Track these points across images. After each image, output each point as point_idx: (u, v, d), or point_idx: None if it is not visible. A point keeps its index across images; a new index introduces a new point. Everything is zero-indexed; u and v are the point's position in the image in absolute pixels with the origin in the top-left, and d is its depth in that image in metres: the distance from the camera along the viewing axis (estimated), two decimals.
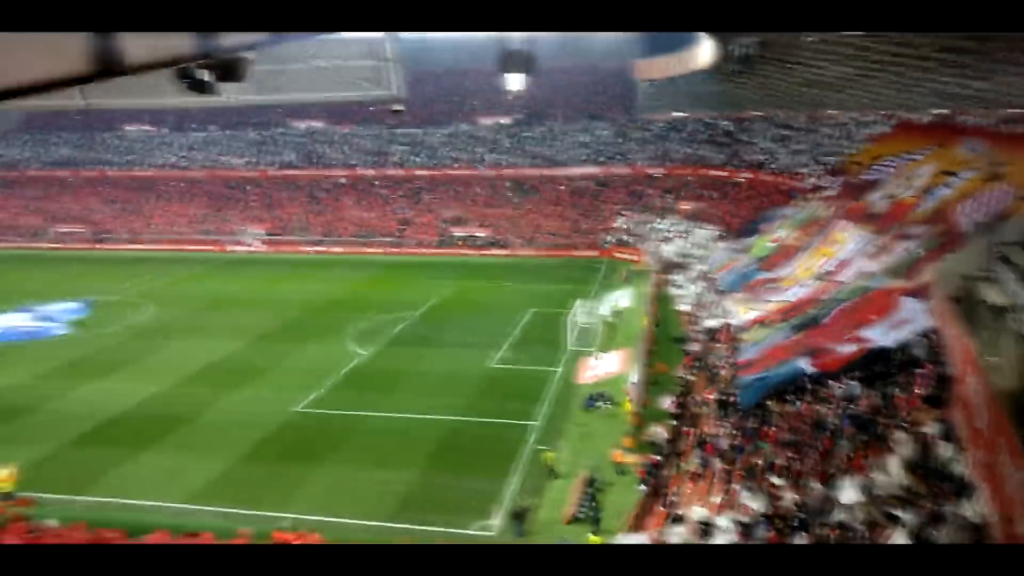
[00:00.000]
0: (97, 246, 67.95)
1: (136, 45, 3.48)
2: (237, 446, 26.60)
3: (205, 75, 16.96)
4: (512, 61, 11.93)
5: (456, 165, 72.14)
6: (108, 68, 3.32)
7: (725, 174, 64.35)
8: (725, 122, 69.28)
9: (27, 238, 69.61)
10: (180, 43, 4.00)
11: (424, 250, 63.25)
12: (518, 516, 21.02)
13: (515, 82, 12.35)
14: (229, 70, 16.53)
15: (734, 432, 21.74)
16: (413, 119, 74.38)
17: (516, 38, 12.41)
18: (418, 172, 72.29)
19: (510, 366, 34.40)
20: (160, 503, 22.68)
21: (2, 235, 70.26)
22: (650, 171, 67.41)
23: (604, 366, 33.14)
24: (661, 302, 42.22)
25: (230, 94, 21.07)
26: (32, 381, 33.39)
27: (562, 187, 68.43)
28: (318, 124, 78.58)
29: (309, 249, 64.96)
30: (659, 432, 25.21)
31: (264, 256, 64.02)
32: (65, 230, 70.40)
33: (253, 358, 36.06)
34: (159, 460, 25.79)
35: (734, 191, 62.60)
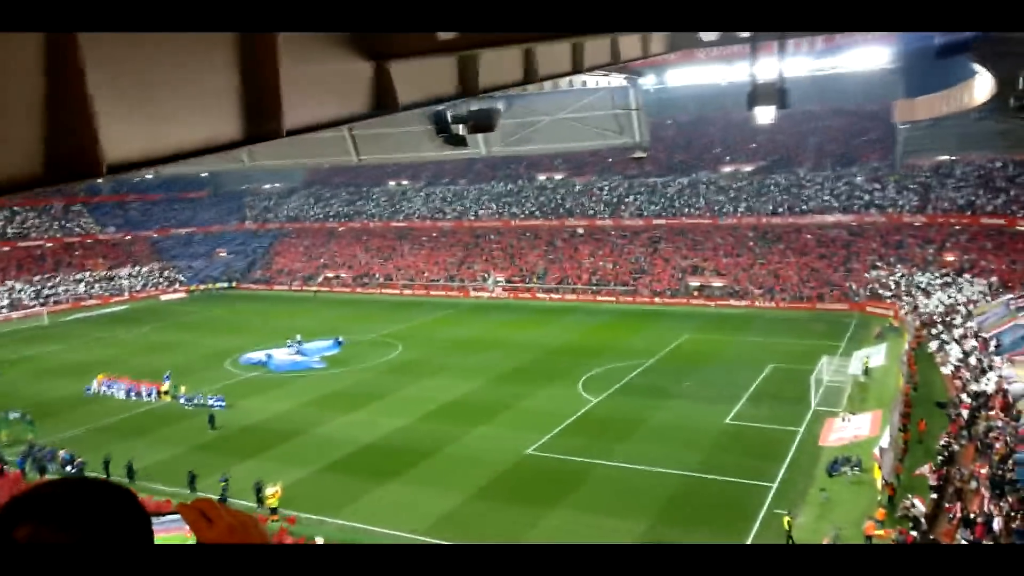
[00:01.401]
0: (357, 290, 75.36)
1: (407, 83, 3.80)
2: (471, 483, 27.63)
3: (460, 129, 18.41)
4: (763, 94, 11.46)
5: (695, 214, 70.97)
6: (383, 104, 3.65)
7: (1002, 222, 56.91)
8: (1003, 164, 61.55)
9: (300, 281, 79.07)
10: (444, 83, 4.31)
11: (659, 299, 62.58)
12: None
13: (765, 116, 11.84)
14: (481, 121, 17.78)
15: (1012, 514, 18.74)
16: (653, 168, 74.68)
17: (767, 74, 11.95)
18: (656, 221, 72.07)
19: (748, 423, 32.61)
20: (397, 532, 24.06)
21: (282, 279, 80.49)
22: (910, 219, 61.53)
23: (853, 428, 30.33)
24: (920, 362, 37.96)
25: (482, 147, 22.64)
26: (301, 409, 37.36)
27: (809, 236, 64.56)
28: (558, 176, 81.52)
29: (545, 296, 67.01)
30: (916, 505, 22.42)
31: (504, 302, 67.03)
32: (331, 275, 79.02)
33: (490, 398, 37.55)
34: (400, 491, 27.47)
35: (1012, 241, 55.09)
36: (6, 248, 76.14)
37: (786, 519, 22.62)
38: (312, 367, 45.43)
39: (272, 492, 25.79)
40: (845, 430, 30.36)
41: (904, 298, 52.28)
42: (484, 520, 24.67)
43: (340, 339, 50.44)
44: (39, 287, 73.10)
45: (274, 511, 25.17)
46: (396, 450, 31.28)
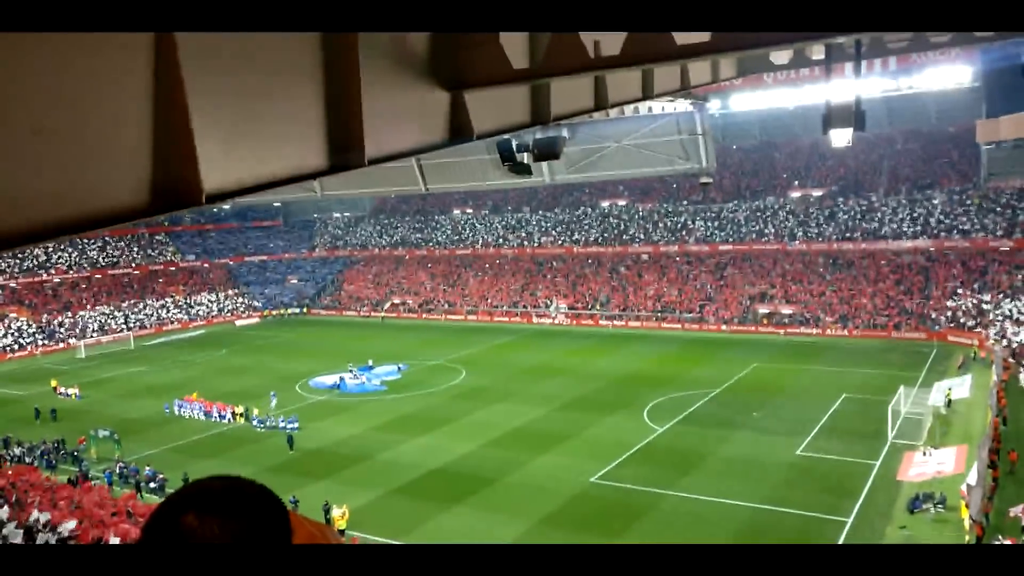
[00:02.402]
0: (423, 316, 76.32)
1: (481, 112, 3.93)
2: (537, 511, 27.46)
3: (525, 157, 18.62)
4: (838, 116, 11.23)
5: (762, 239, 69.65)
6: (458, 134, 3.78)
7: None
8: None
9: (369, 307, 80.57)
10: (517, 112, 4.43)
11: (726, 327, 61.43)
12: None
13: (840, 138, 11.59)
14: (546, 149, 17.95)
15: None
16: (718, 194, 73.77)
17: (841, 95, 11.72)
18: (722, 247, 71.01)
19: (820, 455, 31.58)
20: None
21: (351, 305, 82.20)
22: (995, 244, 58.98)
23: (935, 463, 28.99)
24: (1010, 394, 36.13)
25: (546, 175, 22.83)
26: (369, 432, 37.88)
27: (883, 262, 62.55)
28: (622, 202, 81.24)
29: (608, 323, 66.55)
30: None
31: (567, 329, 66.86)
32: (398, 301, 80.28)
33: (554, 425, 37.37)
34: (466, 516, 27.50)
35: None
36: (98, 276, 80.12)
37: None
38: (376, 390, 46.27)
39: (339, 514, 26.19)
40: (926, 465, 29.06)
41: (991, 327, 50.00)
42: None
43: (401, 366, 51.22)
44: (126, 312, 76.52)
45: (341, 532, 25.50)
46: (462, 476, 31.37)
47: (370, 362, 51.28)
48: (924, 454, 29.97)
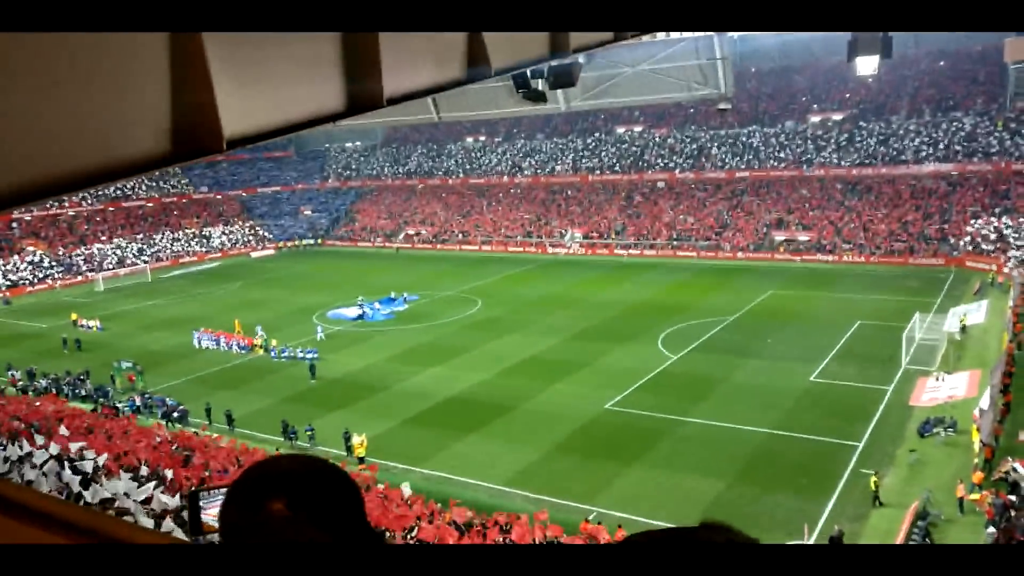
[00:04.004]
0: (437, 247, 76.39)
1: (499, 48, 3.83)
2: (551, 437, 28.01)
3: (540, 84, 18.26)
4: (864, 43, 10.85)
5: (780, 165, 68.60)
6: (476, 71, 3.70)
7: None
8: None
9: (383, 238, 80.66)
10: (535, 46, 4.32)
11: (741, 254, 61.16)
12: (834, 541, 19.37)
13: (866, 66, 11.25)
14: (562, 76, 17.58)
15: None
16: (736, 119, 72.34)
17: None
18: (739, 174, 70.09)
19: (833, 381, 31.83)
20: (481, 483, 24.70)
21: (364, 236, 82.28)
22: (1019, 168, 57.79)
23: (947, 388, 29.21)
24: None
25: (561, 102, 22.40)
26: (385, 363, 38.45)
27: (903, 187, 61.59)
28: (638, 128, 79.92)
29: (624, 252, 66.40)
30: (1018, 469, 21.53)
31: (581, 258, 66.80)
32: (412, 232, 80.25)
33: (568, 354, 37.75)
34: (481, 444, 28.11)
35: None
36: (112, 208, 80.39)
37: (873, 479, 22.14)
38: (386, 318, 47.55)
39: (359, 442, 26.84)
40: (939, 390, 29.28)
41: (1011, 252, 49.45)
42: (562, 474, 25.05)
43: (407, 295, 51.62)
44: (142, 244, 77.08)
45: (361, 460, 26.20)
46: (476, 405, 31.92)
47: (393, 294, 51.70)
48: (937, 379, 30.15)
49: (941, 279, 48.55)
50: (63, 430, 20.31)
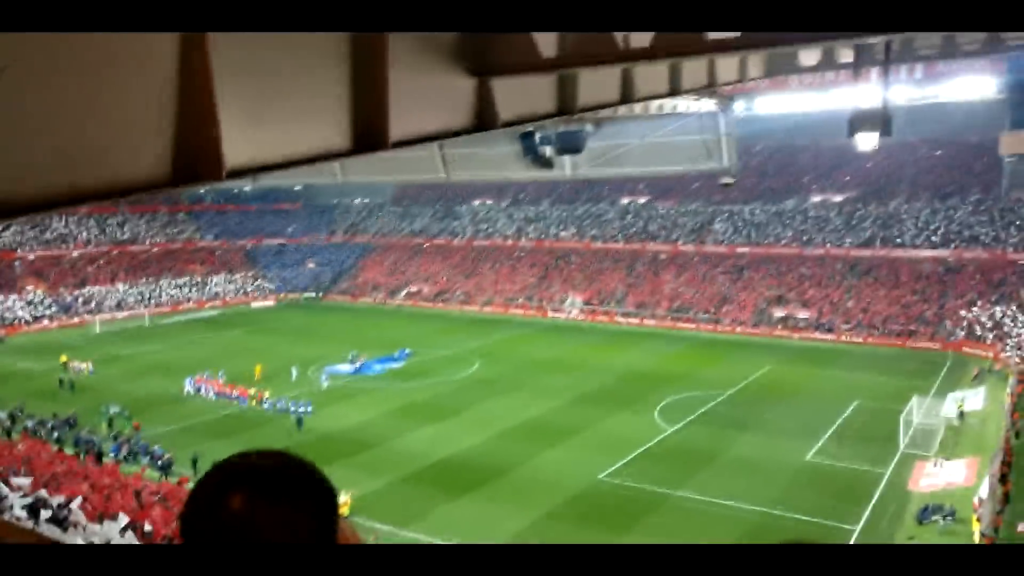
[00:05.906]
0: (438, 305, 76.44)
1: (507, 101, 3.89)
2: (542, 504, 27.48)
3: (548, 150, 18.56)
4: (865, 120, 11.10)
5: (781, 243, 69.15)
6: (483, 121, 3.75)
7: None
8: None
9: (384, 294, 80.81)
10: (543, 101, 4.39)
11: (740, 329, 61.11)
12: None
13: (867, 143, 11.46)
14: (570, 143, 17.88)
15: None
16: (739, 195, 73.21)
17: (867, 100, 11.59)
18: (740, 249, 70.57)
19: (830, 461, 31.38)
20: None
21: (367, 292, 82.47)
22: (1014, 257, 58.31)
23: (946, 475, 28.77)
24: None
25: (567, 169, 22.73)
26: (380, 419, 38.00)
27: (902, 270, 61.96)
28: (642, 200, 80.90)
29: (624, 320, 66.38)
30: None
31: (581, 324, 66.73)
32: (414, 289, 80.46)
33: (565, 420, 37.34)
34: (472, 507, 27.56)
35: None
36: (116, 252, 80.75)
37: None
38: (379, 371, 47.46)
39: (343, 500, 26.25)
40: (937, 476, 28.83)
41: (1008, 340, 49.41)
42: (556, 542, 24.42)
43: (406, 351, 51.35)
44: (143, 289, 77.15)
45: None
46: (470, 466, 31.43)
47: (396, 354, 51.59)
48: (935, 465, 29.72)
49: (938, 363, 48.37)
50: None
